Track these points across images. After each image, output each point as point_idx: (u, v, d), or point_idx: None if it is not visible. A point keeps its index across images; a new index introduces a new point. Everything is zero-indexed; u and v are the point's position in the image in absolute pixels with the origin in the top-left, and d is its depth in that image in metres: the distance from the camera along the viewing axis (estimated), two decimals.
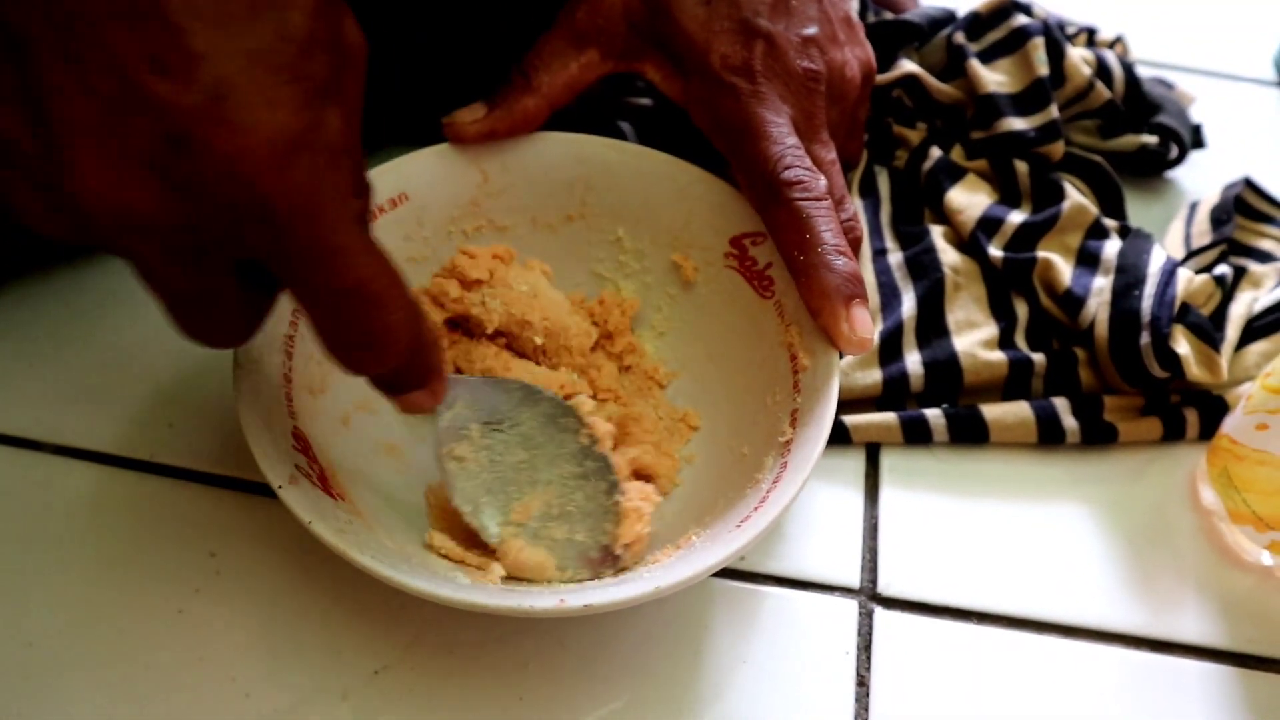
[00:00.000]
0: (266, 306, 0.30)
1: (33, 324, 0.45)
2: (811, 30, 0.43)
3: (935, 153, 0.51)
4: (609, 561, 0.37)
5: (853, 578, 0.41)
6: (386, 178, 0.42)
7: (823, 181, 0.39)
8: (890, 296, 0.48)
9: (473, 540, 0.38)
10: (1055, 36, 0.52)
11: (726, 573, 0.40)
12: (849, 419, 0.44)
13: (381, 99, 0.28)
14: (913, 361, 0.46)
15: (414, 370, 0.32)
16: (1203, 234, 0.51)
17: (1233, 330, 0.46)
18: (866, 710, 0.37)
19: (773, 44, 0.42)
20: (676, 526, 0.39)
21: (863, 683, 0.38)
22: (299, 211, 0.25)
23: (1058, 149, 0.51)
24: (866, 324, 0.37)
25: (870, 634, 0.39)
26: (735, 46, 0.41)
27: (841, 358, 0.38)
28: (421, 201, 0.43)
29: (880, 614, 0.40)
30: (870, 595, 0.40)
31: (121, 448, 0.42)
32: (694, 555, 0.35)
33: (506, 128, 0.43)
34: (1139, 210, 0.54)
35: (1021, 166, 0.51)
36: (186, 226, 0.25)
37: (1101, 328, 0.45)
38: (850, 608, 0.40)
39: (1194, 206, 0.53)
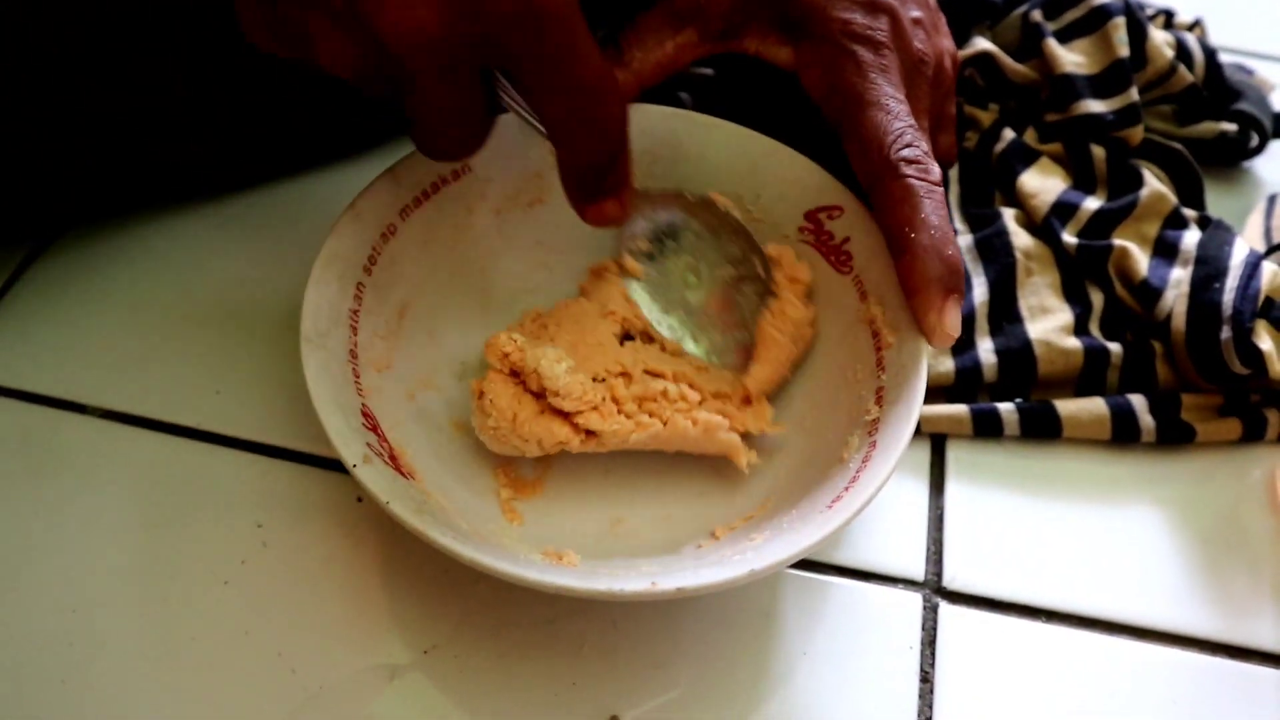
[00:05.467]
0: (492, 123, 0.35)
1: (80, 286, 0.44)
2: (918, 14, 0.42)
3: (1008, 134, 0.49)
4: (741, 362, 0.40)
5: (917, 571, 0.39)
6: None
7: (936, 168, 0.38)
8: None
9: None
10: (1137, 17, 0.50)
11: None
12: None
13: None
14: (985, 350, 0.44)
15: (616, 170, 0.35)
16: None
17: None
18: (930, 707, 0.36)
19: (895, 19, 0.41)
20: (756, 506, 0.38)
21: (926, 679, 0.37)
22: (555, 16, 0.30)
23: (1137, 134, 0.49)
24: (958, 322, 0.36)
25: (935, 629, 0.38)
26: (857, 15, 0.41)
27: None
28: (484, 174, 0.42)
29: (945, 609, 0.38)
30: (935, 589, 0.39)
31: (167, 413, 0.41)
32: (784, 537, 0.33)
33: None
34: (1215, 200, 0.52)
35: (1098, 151, 0.49)
36: (462, 40, 0.30)
37: (1179, 320, 0.43)
38: (915, 601, 0.38)
39: (1273, 199, 0.51)
